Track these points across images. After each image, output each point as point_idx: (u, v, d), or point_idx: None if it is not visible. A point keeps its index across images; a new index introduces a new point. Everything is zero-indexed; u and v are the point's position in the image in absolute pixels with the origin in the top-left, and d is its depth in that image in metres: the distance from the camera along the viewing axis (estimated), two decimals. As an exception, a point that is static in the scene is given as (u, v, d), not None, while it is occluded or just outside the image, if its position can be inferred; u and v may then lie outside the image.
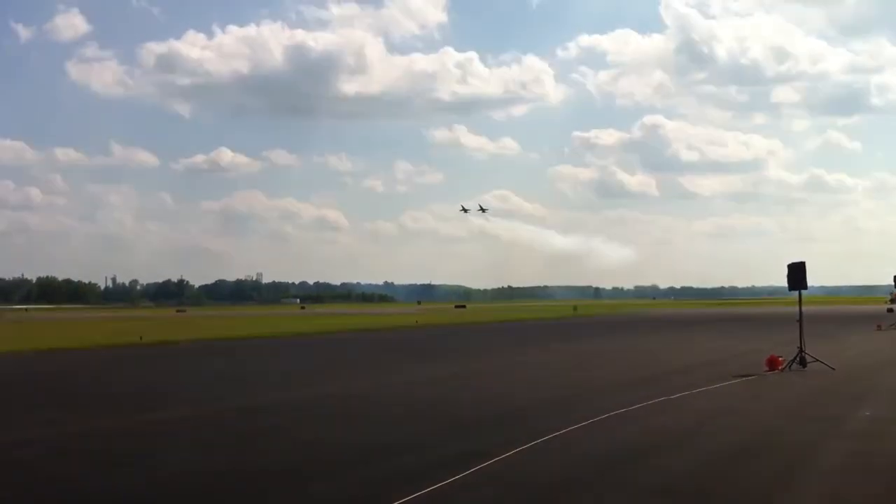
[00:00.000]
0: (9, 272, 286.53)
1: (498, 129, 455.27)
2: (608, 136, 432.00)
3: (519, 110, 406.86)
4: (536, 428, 15.42)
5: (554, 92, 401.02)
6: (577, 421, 16.22)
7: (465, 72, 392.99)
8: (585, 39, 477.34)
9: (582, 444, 14.45)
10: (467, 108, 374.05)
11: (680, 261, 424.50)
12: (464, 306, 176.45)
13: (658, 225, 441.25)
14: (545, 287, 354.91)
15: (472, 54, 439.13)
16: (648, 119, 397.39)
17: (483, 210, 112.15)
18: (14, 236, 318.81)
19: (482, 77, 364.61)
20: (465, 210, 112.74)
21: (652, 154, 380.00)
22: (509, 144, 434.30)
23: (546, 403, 19.97)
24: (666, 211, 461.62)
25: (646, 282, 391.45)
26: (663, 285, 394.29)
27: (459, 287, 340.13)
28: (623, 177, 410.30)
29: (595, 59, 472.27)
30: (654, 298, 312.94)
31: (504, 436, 14.99)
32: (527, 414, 18.31)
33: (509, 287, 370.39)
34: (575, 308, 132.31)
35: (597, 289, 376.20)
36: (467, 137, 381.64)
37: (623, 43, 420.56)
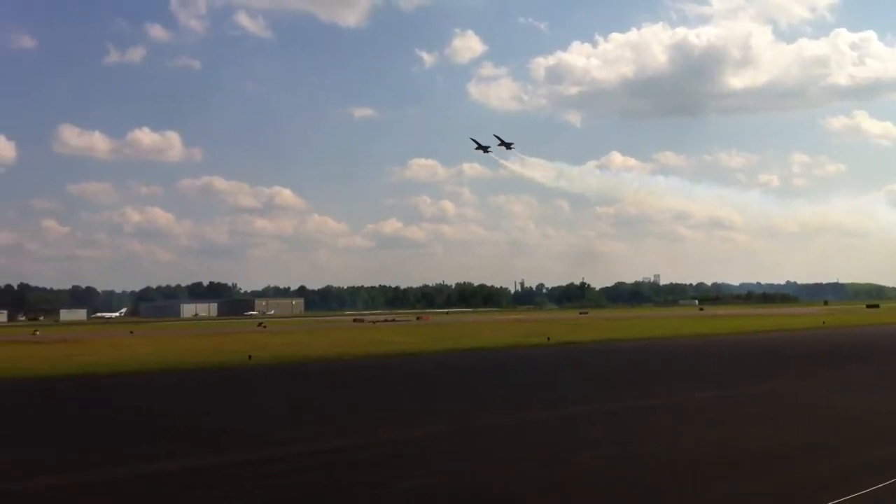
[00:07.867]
0: (431, 279, 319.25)
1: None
2: None
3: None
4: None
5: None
6: None
7: (862, 53, 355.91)
8: None
9: None
10: (867, 92, 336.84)
11: None
12: (877, 305, 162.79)
13: None
14: None
15: (870, 33, 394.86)
16: None
17: (508, 146, 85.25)
18: (433, 246, 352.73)
19: (882, 57, 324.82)
20: (484, 149, 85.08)
21: None
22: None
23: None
24: None
25: None
26: None
27: (871, 285, 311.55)
28: None
29: None
30: None
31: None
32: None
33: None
34: None
35: None
36: (869, 123, 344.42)
37: None
